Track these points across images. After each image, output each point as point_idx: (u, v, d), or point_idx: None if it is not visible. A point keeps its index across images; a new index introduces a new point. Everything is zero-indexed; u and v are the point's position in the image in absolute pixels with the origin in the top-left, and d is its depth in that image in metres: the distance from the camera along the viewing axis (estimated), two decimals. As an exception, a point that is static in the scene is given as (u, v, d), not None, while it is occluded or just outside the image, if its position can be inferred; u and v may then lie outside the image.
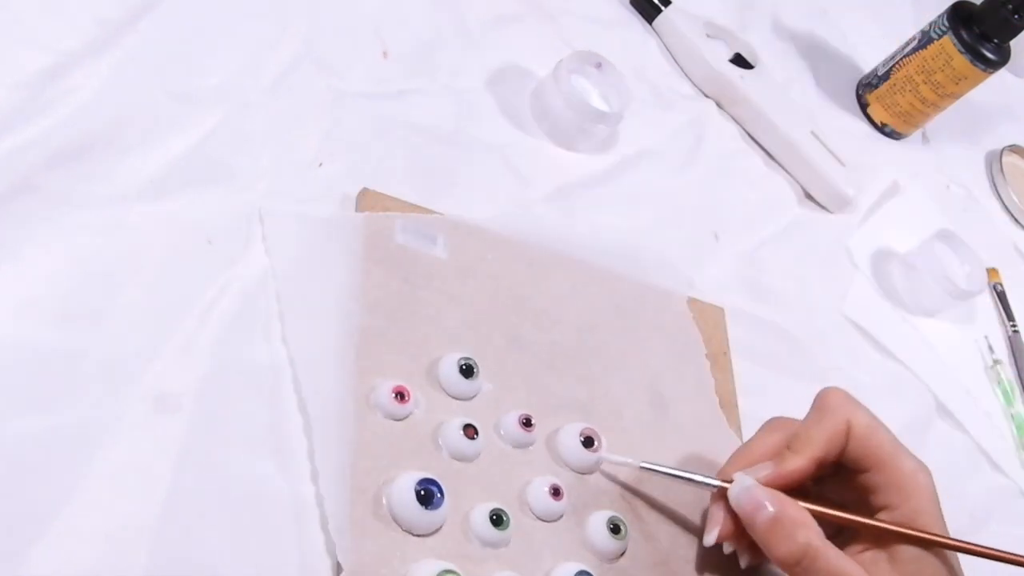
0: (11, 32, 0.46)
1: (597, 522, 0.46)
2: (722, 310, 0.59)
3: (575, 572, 0.43)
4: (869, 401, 0.48)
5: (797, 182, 0.72)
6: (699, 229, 0.64)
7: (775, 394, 0.58)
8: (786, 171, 0.72)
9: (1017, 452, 0.69)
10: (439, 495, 0.41)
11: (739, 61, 0.73)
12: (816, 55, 0.84)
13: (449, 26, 0.62)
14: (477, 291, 0.50)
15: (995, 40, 0.75)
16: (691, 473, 0.46)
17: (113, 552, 0.37)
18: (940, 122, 0.83)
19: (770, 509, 0.44)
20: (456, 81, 0.60)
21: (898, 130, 0.82)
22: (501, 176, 0.57)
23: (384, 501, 0.41)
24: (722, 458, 0.50)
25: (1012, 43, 0.76)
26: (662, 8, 0.72)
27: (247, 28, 0.53)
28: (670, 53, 0.73)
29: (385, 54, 0.58)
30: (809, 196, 0.72)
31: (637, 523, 0.47)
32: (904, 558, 0.44)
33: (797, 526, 0.43)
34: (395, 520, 0.41)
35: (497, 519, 0.42)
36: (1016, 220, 0.85)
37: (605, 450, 0.48)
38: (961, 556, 0.46)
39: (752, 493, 0.44)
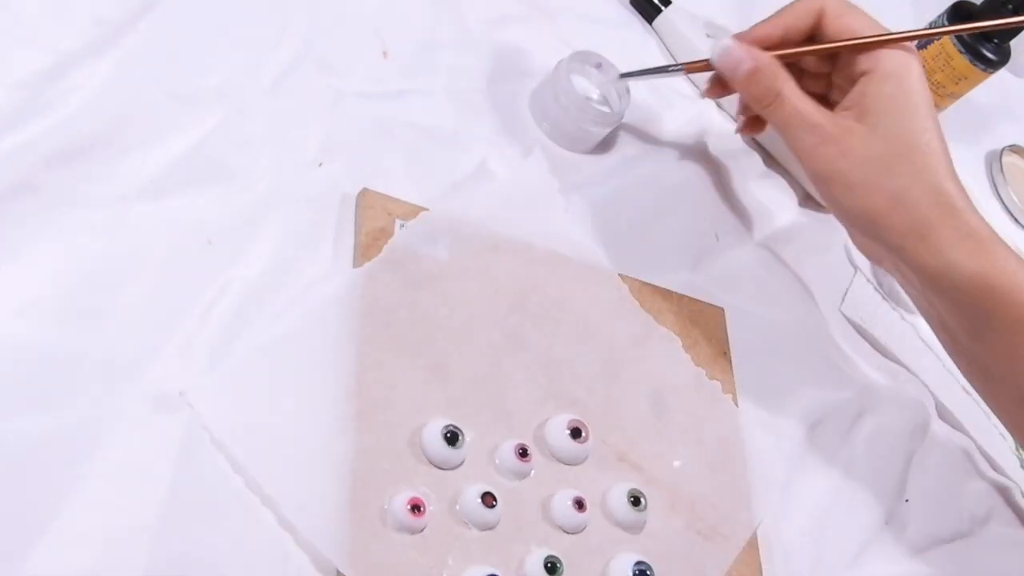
0: (11, 32, 0.46)
1: (619, 495, 0.47)
2: (722, 310, 0.59)
3: (632, 565, 0.45)
4: (869, 401, 0.48)
5: (797, 182, 0.72)
6: (699, 229, 0.64)
7: (775, 394, 0.58)
8: (786, 171, 0.72)
9: (1016, 452, 0.69)
10: None
11: (739, 61, 0.73)
12: (816, 55, 0.84)
13: (449, 26, 0.62)
14: (478, 292, 0.50)
15: (995, 40, 0.75)
16: (670, 65, 0.54)
17: (113, 552, 0.37)
18: (940, 122, 0.83)
19: (748, 63, 0.52)
20: (456, 81, 0.60)
21: (898, 130, 0.82)
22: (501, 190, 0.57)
23: None
24: (724, 452, 0.50)
25: (1012, 43, 0.76)
26: (662, 8, 0.72)
27: (247, 28, 0.53)
28: (670, 53, 0.73)
29: (385, 54, 0.58)
30: (809, 197, 0.72)
31: (647, 486, 0.49)
32: (869, 110, 0.50)
33: (769, 75, 0.51)
34: None
35: (551, 567, 0.43)
36: (1016, 220, 0.85)
37: (592, 438, 0.48)
38: (958, 559, 0.46)
39: (732, 51, 0.52)
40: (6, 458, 0.37)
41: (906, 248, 0.50)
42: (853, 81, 0.52)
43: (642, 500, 0.47)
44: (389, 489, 0.42)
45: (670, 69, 0.54)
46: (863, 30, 0.52)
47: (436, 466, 0.44)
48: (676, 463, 0.51)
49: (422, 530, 0.42)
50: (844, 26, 0.52)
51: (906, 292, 0.53)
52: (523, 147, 0.59)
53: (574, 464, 0.48)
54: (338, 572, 0.40)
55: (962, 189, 0.50)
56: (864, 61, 0.52)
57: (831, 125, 0.51)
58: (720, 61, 0.53)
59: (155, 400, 0.40)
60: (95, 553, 0.36)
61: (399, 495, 0.42)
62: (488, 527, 0.44)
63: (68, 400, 0.39)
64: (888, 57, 0.51)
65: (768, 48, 0.53)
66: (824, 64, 0.55)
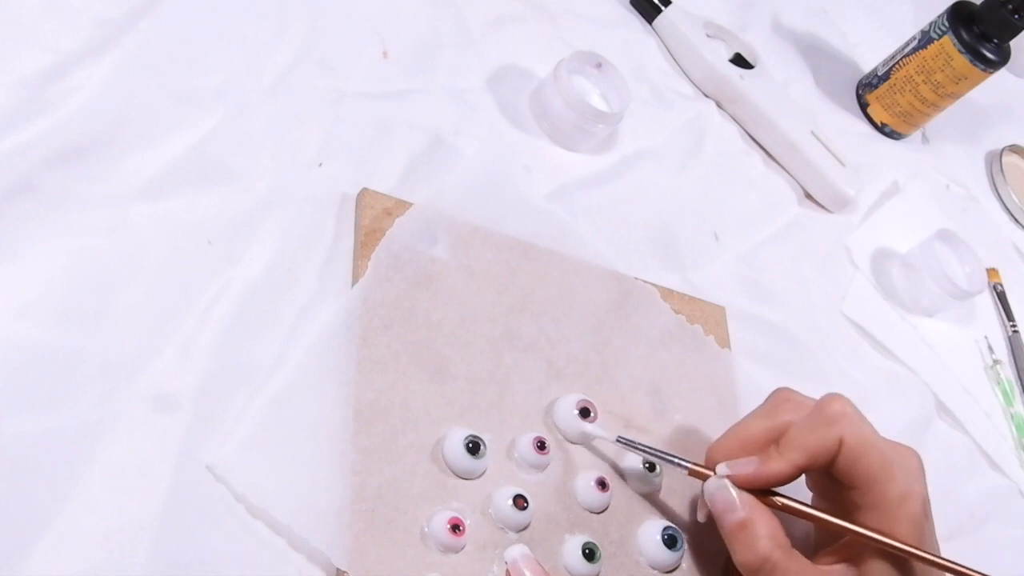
0: (11, 32, 0.46)
1: (634, 463, 0.49)
2: (723, 309, 0.59)
3: (661, 531, 0.46)
4: (869, 401, 0.48)
5: (797, 182, 0.72)
6: (699, 229, 0.64)
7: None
8: (786, 171, 0.72)
9: (1017, 452, 0.69)
10: None
11: (739, 61, 0.73)
12: (816, 55, 0.84)
13: (449, 26, 0.62)
14: (475, 291, 0.50)
15: (995, 40, 0.75)
16: (670, 455, 0.47)
17: (113, 552, 0.37)
18: (940, 122, 0.83)
19: (740, 513, 0.44)
20: (456, 81, 0.60)
21: (898, 130, 0.82)
22: (500, 176, 0.57)
23: None
24: (715, 392, 0.50)
25: (1012, 43, 0.76)
26: (662, 8, 0.72)
27: (247, 28, 0.53)
28: (670, 53, 0.73)
29: (385, 54, 0.58)
30: (809, 196, 0.72)
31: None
32: None
33: (761, 536, 0.43)
34: None
35: (589, 554, 0.44)
36: (1016, 220, 0.85)
37: (599, 412, 0.49)
38: (957, 558, 0.46)
39: (725, 494, 0.45)
40: (6, 458, 0.37)
41: None
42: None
43: (656, 465, 0.49)
44: (426, 511, 0.43)
45: (673, 460, 0.46)
46: (877, 479, 0.44)
47: (462, 478, 0.44)
48: (677, 416, 0.53)
49: (463, 548, 0.42)
50: (861, 472, 0.44)
51: None
52: (523, 147, 0.59)
53: (588, 443, 0.49)
54: (337, 572, 0.40)
55: None
56: (866, 516, 0.44)
57: None
58: (710, 497, 0.45)
59: (155, 400, 0.40)
60: (95, 553, 0.36)
61: (436, 516, 0.42)
62: (523, 527, 0.44)
63: (68, 400, 0.39)
64: (890, 523, 0.44)
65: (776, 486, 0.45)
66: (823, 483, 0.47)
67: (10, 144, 0.43)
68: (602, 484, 0.47)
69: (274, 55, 0.53)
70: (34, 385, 0.39)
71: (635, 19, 0.73)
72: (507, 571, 0.43)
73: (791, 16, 0.84)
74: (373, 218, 0.49)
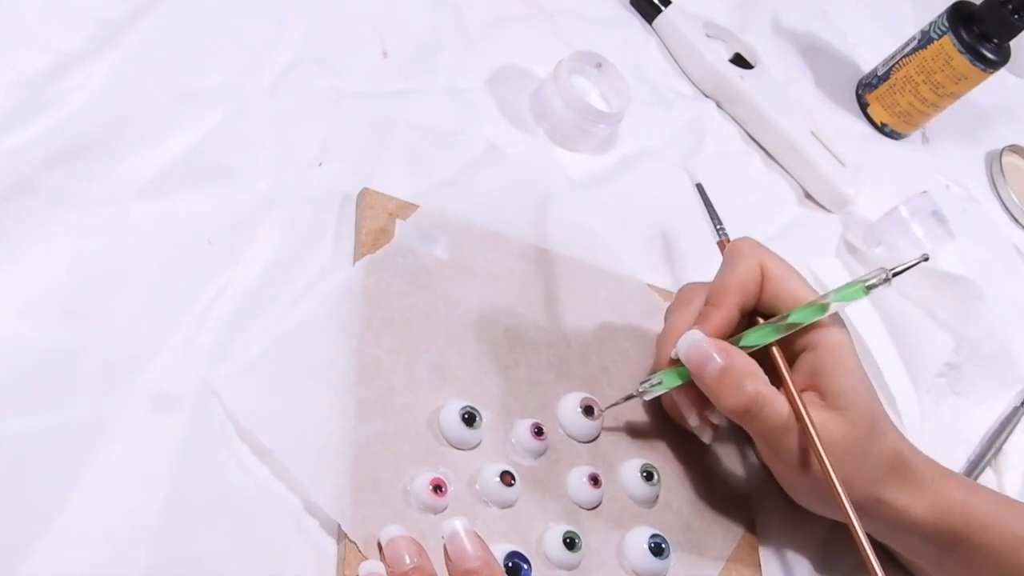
0: (11, 32, 0.46)
1: (632, 470, 0.48)
2: (722, 310, 0.59)
3: (648, 538, 0.46)
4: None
5: (797, 182, 0.72)
6: (699, 229, 0.64)
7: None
8: (786, 171, 0.72)
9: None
10: (526, 567, 0.42)
11: (739, 61, 0.73)
12: (816, 55, 0.84)
13: (449, 26, 0.62)
14: (478, 291, 0.50)
15: (995, 40, 0.75)
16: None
17: (113, 552, 0.37)
18: (940, 122, 0.83)
19: (719, 360, 0.44)
20: (456, 81, 0.60)
21: (898, 130, 0.82)
22: (500, 177, 0.57)
23: None
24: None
25: (1012, 43, 0.76)
26: (662, 8, 0.72)
27: (247, 28, 0.53)
28: (670, 53, 0.73)
29: (385, 54, 0.58)
30: (809, 196, 0.72)
31: (659, 457, 0.50)
32: (833, 393, 0.45)
33: (745, 375, 0.44)
34: None
35: (570, 543, 0.44)
36: (1016, 220, 0.85)
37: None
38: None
39: (700, 346, 0.45)
40: (6, 458, 0.37)
41: (865, 508, 0.46)
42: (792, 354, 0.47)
43: (655, 475, 0.48)
44: (411, 470, 0.43)
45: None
46: (806, 294, 0.47)
47: (455, 447, 0.45)
48: None
49: (444, 510, 0.42)
50: (788, 290, 0.47)
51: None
52: (523, 147, 0.59)
53: (588, 441, 0.49)
54: (338, 571, 0.40)
55: (904, 437, 0.48)
56: (804, 338, 0.47)
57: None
58: (686, 358, 0.45)
59: (155, 400, 0.40)
60: (95, 553, 0.36)
61: (420, 476, 0.43)
62: (507, 505, 0.44)
63: (68, 400, 0.39)
64: (825, 330, 0.46)
65: (725, 338, 0.47)
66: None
67: (10, 144, 0.43)
68: (594, 480, 0.46)
69: (274, 55, 0.53)
70: (34, 385, 0.39)
71: (635, 19, 0.73)
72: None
73: (791, 16, 0.84)
74: (374, 218, 0.49)
